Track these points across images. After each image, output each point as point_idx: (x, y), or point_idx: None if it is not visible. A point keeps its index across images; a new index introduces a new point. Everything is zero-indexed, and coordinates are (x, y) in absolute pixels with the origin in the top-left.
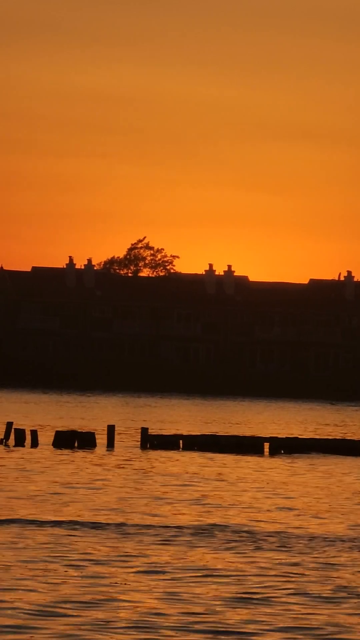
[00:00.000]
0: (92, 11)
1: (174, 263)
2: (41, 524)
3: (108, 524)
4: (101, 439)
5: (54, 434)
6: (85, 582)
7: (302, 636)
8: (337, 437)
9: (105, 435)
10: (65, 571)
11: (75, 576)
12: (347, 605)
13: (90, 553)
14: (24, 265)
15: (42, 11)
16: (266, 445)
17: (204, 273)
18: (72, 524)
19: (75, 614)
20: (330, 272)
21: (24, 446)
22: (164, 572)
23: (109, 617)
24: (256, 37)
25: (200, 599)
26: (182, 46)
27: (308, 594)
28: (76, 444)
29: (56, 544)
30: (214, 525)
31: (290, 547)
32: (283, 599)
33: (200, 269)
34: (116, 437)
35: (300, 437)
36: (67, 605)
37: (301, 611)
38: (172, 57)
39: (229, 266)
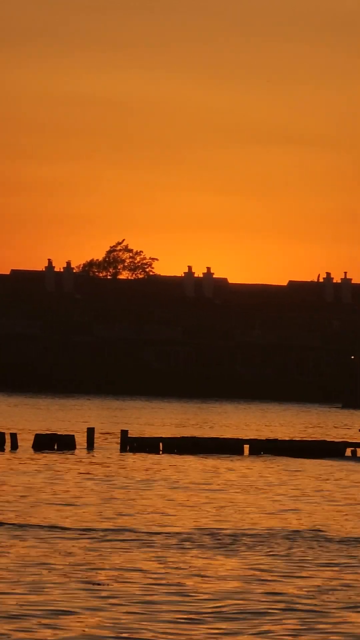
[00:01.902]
0: (77, 17)
1: (153, 265)
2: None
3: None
4: (81, 442)
5: (33, 437)
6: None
7: None
8: (318, 439)
9: (85, 438)
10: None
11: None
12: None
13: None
14: (3, 268)
15: (28, 17)
16: (246, 448)
17: (183, 275)
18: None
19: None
20: (309, 274)
21: (3, 449)
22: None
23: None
24: (236, 42)
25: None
26: (164, 52)
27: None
28: (56, 447)
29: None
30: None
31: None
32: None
33: (179, 271)
34: (96, 440)
35: (280, 439)
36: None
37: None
38: (154, 62)
39: (208, 268)
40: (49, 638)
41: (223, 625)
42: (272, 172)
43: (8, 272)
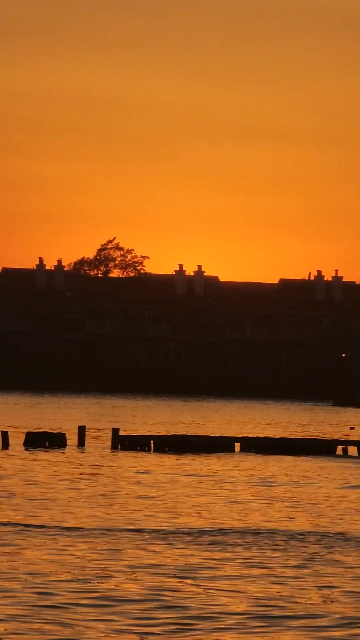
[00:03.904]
0: (62, 14)
1: (144, 263)
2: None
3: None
4: (72, 440)
5: (25, 434)
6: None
7: None
8: (309, 437)
9: (76, 436)
10: None
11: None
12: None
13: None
14: None
15: (21, 16)
16: (237, 445)
17: (174, 273)
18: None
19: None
20: (300, 272)
21: None
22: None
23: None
24: (219, 39)
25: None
26: (151, 48)
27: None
28: (47, 445)
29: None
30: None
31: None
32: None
33: (170, 269)
34: (87, 438)
35: (271, 437)
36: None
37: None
38: (144, 61)
39: (199, 266)
40: None
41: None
42: (263, 170)
43: None
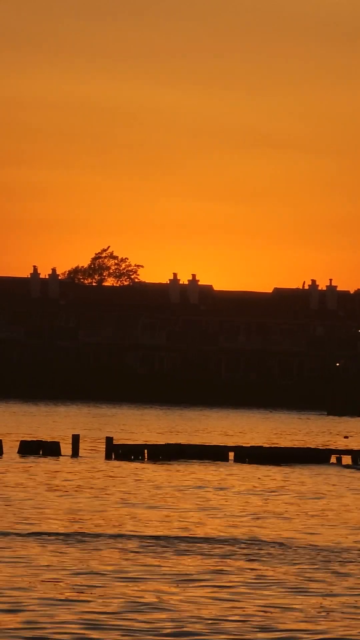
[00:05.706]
0: (61, 22)
1: (138, 272)
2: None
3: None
4: (66, 449)
5: (19, 443)
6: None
7: None
8: (303, 446)
9: (70, 445)
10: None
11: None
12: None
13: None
14: None
15: (12, 21)
16: (231, 454)
17: (168, 282)
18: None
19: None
20: (294, 281)
21: None
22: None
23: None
24: (214, 47)
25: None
26: (143, 57)
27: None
28: (41, 453)
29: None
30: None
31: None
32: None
33: (164, 278)
34: (81, 447)
35: (265, 445)
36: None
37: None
38: (135, 67)
39: (193, 275)
40: None
41: None
42: (258, 178)
43: None
